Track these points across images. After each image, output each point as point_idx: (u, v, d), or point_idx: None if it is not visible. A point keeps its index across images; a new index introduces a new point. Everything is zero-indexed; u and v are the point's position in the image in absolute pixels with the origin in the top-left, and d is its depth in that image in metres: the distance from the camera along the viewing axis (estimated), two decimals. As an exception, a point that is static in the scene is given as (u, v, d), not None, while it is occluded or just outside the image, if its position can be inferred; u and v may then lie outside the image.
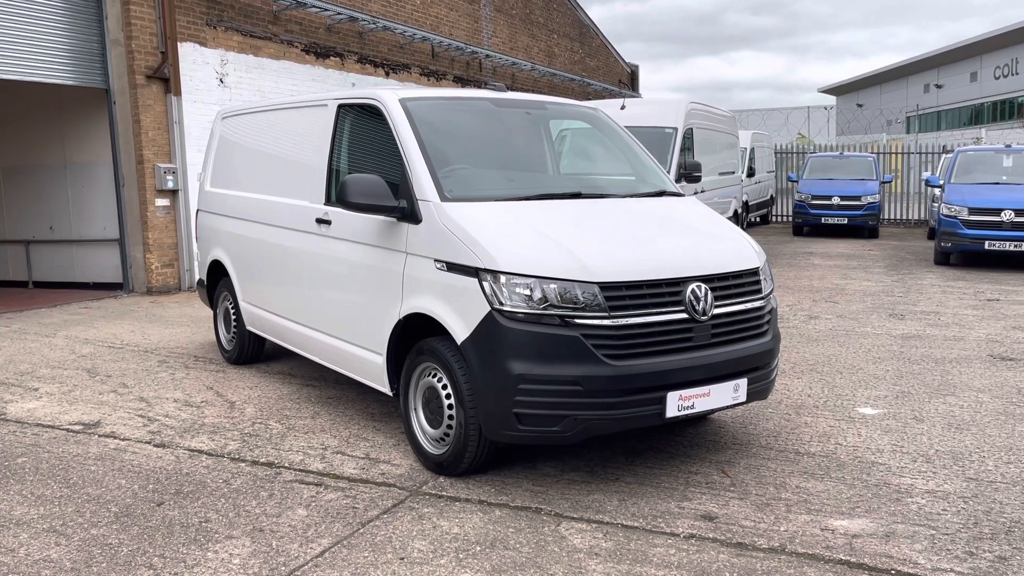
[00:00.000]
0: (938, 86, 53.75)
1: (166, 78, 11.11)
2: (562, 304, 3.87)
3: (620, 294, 3.95)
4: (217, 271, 7.12)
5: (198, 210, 7.49)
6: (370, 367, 4.87)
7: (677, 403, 4.00)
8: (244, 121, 6.81)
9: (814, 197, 18.70)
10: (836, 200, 18.50)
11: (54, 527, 3.81)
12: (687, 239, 4.58)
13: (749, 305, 4.37)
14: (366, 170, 4.97)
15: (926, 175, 20.64)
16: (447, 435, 4.29)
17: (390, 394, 4.74)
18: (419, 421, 4.50)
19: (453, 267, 4.13)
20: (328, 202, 5.27)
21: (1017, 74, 45.92)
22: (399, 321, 4.51)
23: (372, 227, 4.75)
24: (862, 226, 18.65)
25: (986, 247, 12.63)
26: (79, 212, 11.90)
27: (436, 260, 4.24)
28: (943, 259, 13.59)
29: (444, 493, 4.14)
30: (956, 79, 51.78)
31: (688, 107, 11.86)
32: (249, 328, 6.63)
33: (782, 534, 3.66)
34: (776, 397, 5.78)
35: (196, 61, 11.59)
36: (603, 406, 3.85)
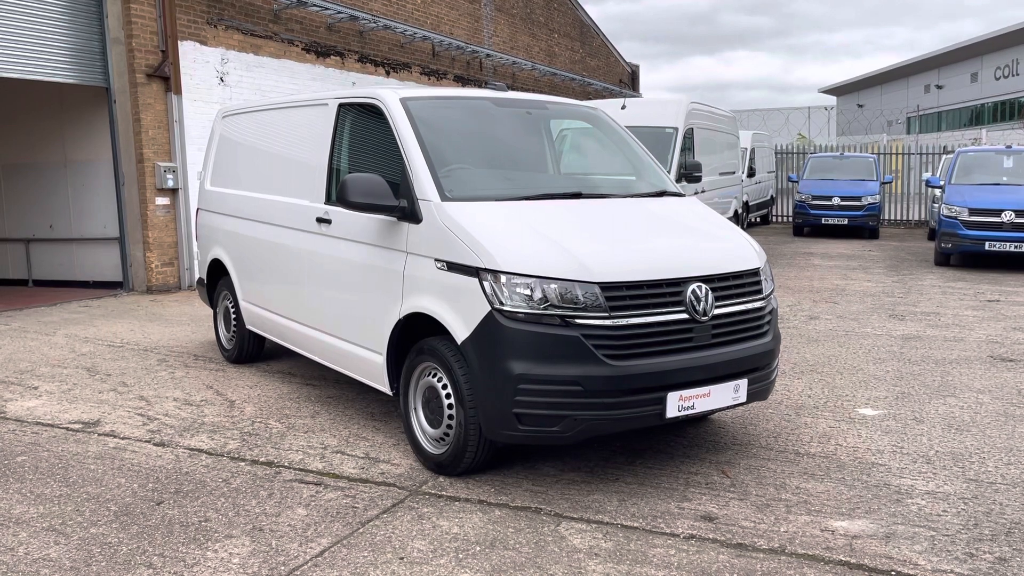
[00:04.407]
0: (939, 87, 53.73)
1: (166, 77, 11.10)
2: (562, 304, 3.87)
3: (620, 294, 3.94)
4: (217, 270, 7.12)
5: (198, 209, 7.48)
6: (370, 366, 4.87)
7: (677, 403, 3.99)
8: (244, 120, 6.81)
9: (814, 197, 18.70)
10: (836, 200, 18.49)
11: (53, 526, 3.81)
12: (687, 239, 4.58)
13: (749, 305, 4.37)
14: (366, 169, 4.96)
15: (926, 176, 20.62)
16: (447, 435, 4.29)
17: (390, 394, 4.74)
18: (419, 421, 4.50)
19: (453, 267, 4.12)
20: (328, 201, 5.27)
21: (1018, 75, 45.89)
22: (399, 321, 4.51)
23: (372, 226, 4.75)
24: (862, 227, 18.65)
25: (986, 248, 12.63)
26: (79, 211, 11.89)
27: (436, 260, 4.24)
28: (943, 260, 13.59)
29: (444, 493, 4.13)
30: (957, 80, 51.76)
31: (689, 107, 11.86)
32: (249, 327, 6.62)
33: (782, 535, 3.66)
34: (776, 398, 5.77)
35: (196, 60, 11.58)
36: (603, 406, 3.85)
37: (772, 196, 23.46)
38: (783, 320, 8.65)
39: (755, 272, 4.48)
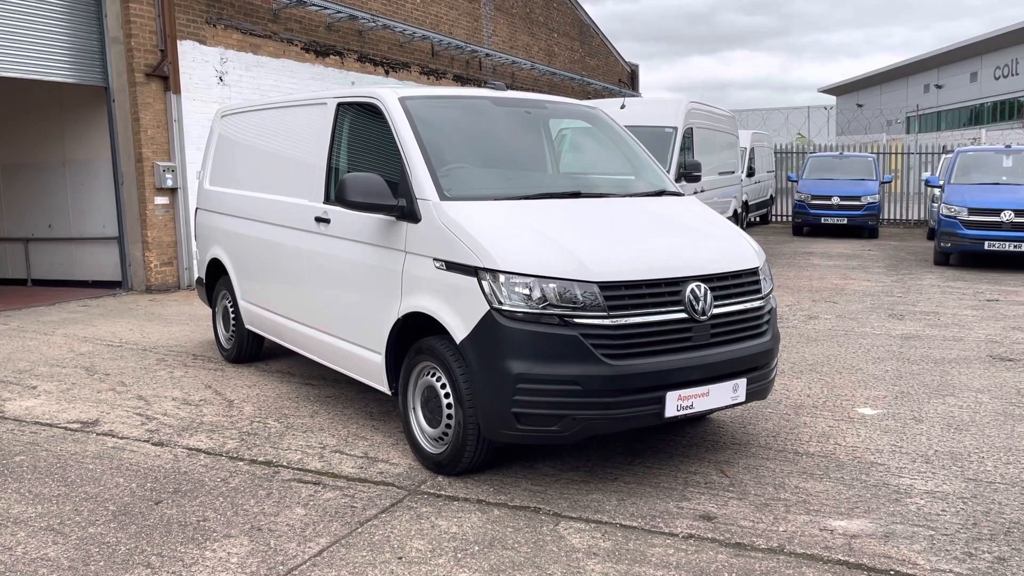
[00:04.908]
0: (938, 86, 53.74)
1: (165, 76, 11.10)
2: (561, 303, 3.86)
3: (619, 294, 3.94)
4: (216, 269, 7.11)
5: (197, 208, 7.48)
6: (369, 366, 4.86)
7: (676, 403, 3.99)
8: (243, 119, 6.80)
9: (814, 197, 18.70)
10: (836, 200, 18.50)
11: (52, 525, 3.80)
12: (686, 239, 4.57)
13: (748, 305, 4.36)
14: (365, 169, 4.96)
15: (926, 175, 20.63)
16: (446, 434, 4.28)
17: (389, 393, 4.74)
18: (418, 420, 4.50)
19: (452, 266, 4.12)
20: (327, 201, 5.26)
21: (1017, 74, 45.91)
22: (398, 320, 4.50)
23: (371, 226, 4.74)
24: (862, 226, 18.65)
25: (986, 247, 12.63)
26: (78, 210, 11.89)
27: (435, 259, 4.23)
28: (943, 259, 13.59)
29: (442, 492, 4.13)
30: (956, 79, 51.77)
31: (688, 107, 11.86)
32: (248, 327, 6.62)
33: (781, 534, 3.65)
34: (775, 397, 5.77)
35: (196, 59, 11.58)
36: (602, 406, 3.85)
37: (771, 196, 23.47)
38: (782, 319, 8.64)
39: (754, 272, 4.48)
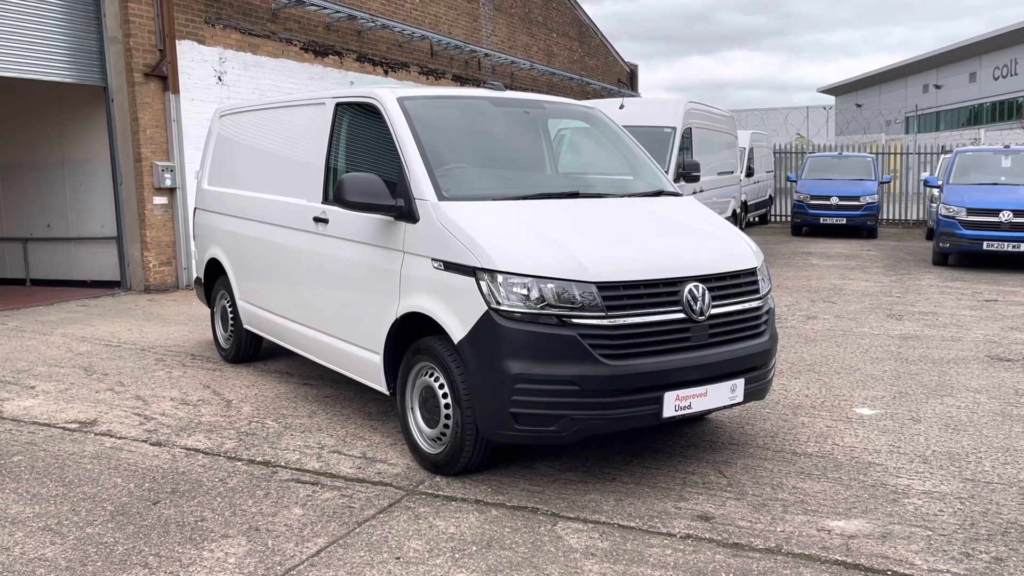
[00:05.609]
0: (937, 86, 53.77)
1: (164, 76, 11.10)
2: (559, 304, 3.86)
3: (617, 294, 3.94)
4: (215, 269, 7.11)
5: (195, 208, 7.47)
6: (367, 366, 4.86)
7: (674, 403, 3.99)
8: (242, 119, 6.80)
9: (813, 197, 18.71)
10: (835, 200, 18.50)
11: (49, 526, 3.80)
12: (685, 239, 4.57)
13: (747, 305, 4.36)
14: (364, 169, 4.96)
15: (925, 175, 20.64)
16: (444, 434, 4.28)
17: (387, 393, 4.74)
18: (416, 420, 4.50)
19: (450, 266, 4.12)
20: (325, 201, 5.26)
21: (1016, 75, 45.94)
22: (396, 320, 4.50)
23: (369, 226, 4.74)
24: (861, 226, 18.66)
25: (984, 248, 12.64)
26: (77, 210, 11.88)
27: (433, 259, 4.23)
28: (941, 259, 13.60)
29: (440, 493, 4.13)
30: (955, 79, 51.81)
31: (687, 107, 11.86)
32: (246, 327, 6.62)
33: (779, 534, 3.65)
34: (773, 397, 5.77)
35: (194, 59, 11.57)
36: (600, 406, 3.85)
37: (770, 196, 23.48)
38: (781, 320, 8.65)
39: (752, 272, 4.48)
